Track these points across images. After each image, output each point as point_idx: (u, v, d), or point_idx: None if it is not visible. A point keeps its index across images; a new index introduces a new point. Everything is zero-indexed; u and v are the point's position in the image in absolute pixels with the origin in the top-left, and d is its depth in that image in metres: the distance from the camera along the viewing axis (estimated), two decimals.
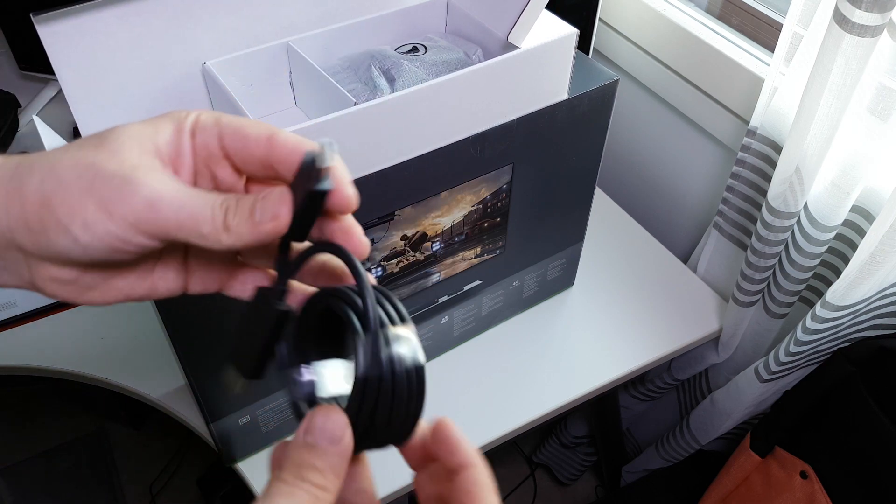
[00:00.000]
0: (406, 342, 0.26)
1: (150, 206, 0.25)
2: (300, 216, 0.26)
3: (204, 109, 0.29)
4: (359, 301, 0.26)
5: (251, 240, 0.26)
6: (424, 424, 0.29)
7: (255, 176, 0.29)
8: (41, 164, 0.26)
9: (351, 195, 0.27)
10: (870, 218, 0.69)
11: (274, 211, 0.26)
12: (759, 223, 0.73)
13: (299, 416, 0.28)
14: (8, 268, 0.28)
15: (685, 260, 0.94)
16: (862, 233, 0.70)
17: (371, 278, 0.28)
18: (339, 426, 0.26)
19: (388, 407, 0.26)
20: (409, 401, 0.26)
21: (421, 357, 0.26)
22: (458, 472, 0.29)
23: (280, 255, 0.29)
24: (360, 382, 0.25)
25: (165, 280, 0.30)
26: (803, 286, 0.75)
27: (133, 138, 0.26)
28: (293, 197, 0.26)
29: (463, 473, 0.29)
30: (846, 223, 0.71)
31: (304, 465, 0.25)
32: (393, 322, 0.26)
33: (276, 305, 0.28)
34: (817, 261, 0.72)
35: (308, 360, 0.29)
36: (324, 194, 0.26)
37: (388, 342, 0.26)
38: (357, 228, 0.29)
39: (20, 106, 1.05)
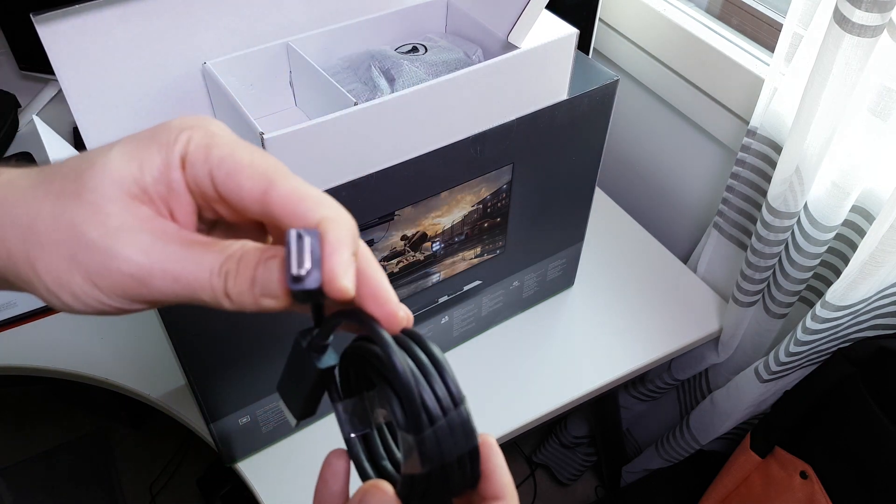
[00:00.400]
0: (459, 429, 0.24)
1: (139, 282, 0.22)
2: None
3: (198, 124, 0.24)
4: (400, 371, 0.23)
5: (255, 310, 0.23)
6: None
7: (258, 219, 0.25)
8: (20, 215, 0.23)
9: (344, 287, 0.22)
10: (870, 218, 0.69)
11: (274, 290, 0.22)
12: (759, 223, 0.73)
13: (351, 450, 0.28)
14: (18, 284, 0.26)
15: (685, 260, 0.94)
16: (862, 233, 0.70)
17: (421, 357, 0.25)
18: None
19: (439, 494, 0.25)
20: (462, 482, 0.25)
21: (475, 439, 0.25)
22: (486, 501, 0.27)
23: (314, 307, 0.25)
24: (407, 479, 0.24)
25: None
26: (803, 286, 0.75)
27: (115, 183, 0.23)
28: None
29: None
30: (846, 223, 0.71)
31: None
32: (441, 402, 0.24)
33: (316, 363, 0.26)
34: (817, 261, 0.72)
35: (355, 393, 0.28)
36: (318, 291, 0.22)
37: (438, 436, 0.23)
38: (390, 296, 0.25)
39: (20, 106, 1.05)
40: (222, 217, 0.25)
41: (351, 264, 0.23)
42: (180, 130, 0.23)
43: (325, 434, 0.71)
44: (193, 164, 0.23)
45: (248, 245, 0.23)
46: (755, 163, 0.78)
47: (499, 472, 0.27)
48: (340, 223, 0.23)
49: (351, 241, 0.23)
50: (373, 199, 0.57)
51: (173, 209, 0.24)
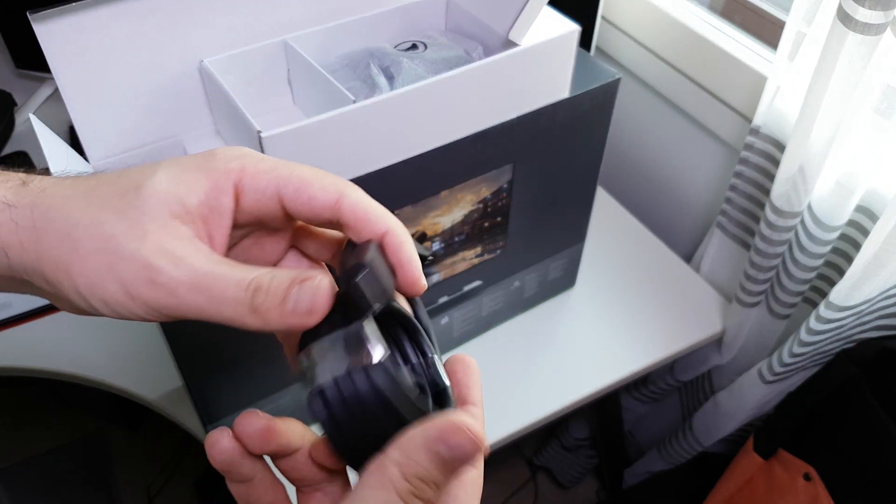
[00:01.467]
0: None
1: (169, 293, 0.24)
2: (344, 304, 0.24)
3: (246, 153, 0.26)
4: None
5: (279, 327, 0.24)
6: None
7: (313, 224, 0.28)
8: (57, 221, 0.24)
9: (423, 286, 0.27)
10: (874, 218, 0.68)
11: (310, 305, 0.24)
12: (762, 223, 0.73)
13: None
14: (30, 290, 0.26)
15: (688, 260, 0.93)
16: (866, 233, 0.70)
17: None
18: (479, 449, 0.23)
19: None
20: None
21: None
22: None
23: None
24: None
25: None
26: (807, 286, 0.75)
27: (160, 202, 0.24)
28: (344, 275, 0.24)
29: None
30: (850, 223, 0.70)
31: (427, 479, 0.23)
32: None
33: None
34: (821, 261, 0.71)
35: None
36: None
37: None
38: (420, 272, 0.28)
39: (16, 104, 1.05)
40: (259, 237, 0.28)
41: (419, 265, 0.27)
42: (230, 160, 0.26)
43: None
44: (255, 187, 0.25)
45: (277, 270, 0.25)
46: (758, 161, 0.77)
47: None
48: (405, 231, 0.27)
49: (414, 246, 0.27)
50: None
51: (211, 230, 0.25)
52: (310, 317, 0.24)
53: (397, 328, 0.29)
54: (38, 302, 0.81)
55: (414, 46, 0.64)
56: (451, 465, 0.23)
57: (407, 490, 0.22)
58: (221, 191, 0.25)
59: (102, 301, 0.24)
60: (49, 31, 0.50)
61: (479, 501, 0.26)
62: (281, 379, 0.65)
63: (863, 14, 0.55)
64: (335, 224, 0.26)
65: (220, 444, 0.26)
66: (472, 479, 0.26)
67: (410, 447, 0.23)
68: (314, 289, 0.24)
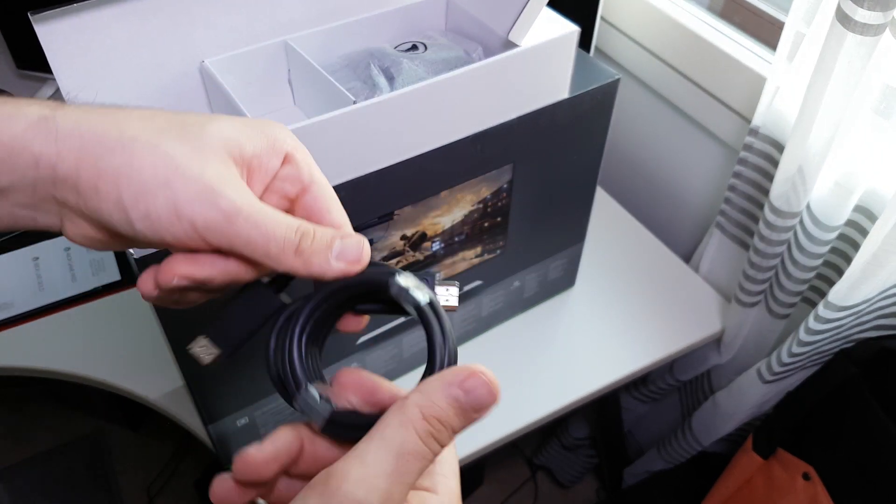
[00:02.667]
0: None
1: (226, 217, 0.25)
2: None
3: (300, 145, 0.29)
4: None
5: (318, 271, 0.26)
6: None
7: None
8: (109, 134, 0.25)
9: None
10: (872, 218, 0.69)
11: (356, 254, 0.26)
12: (761, 223, 0.73)
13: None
14: (41, 214, 0.27)
15: (687, 260, 0.93)
16: (865, 232, 0.70)
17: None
18: (494, 397, 0.24)
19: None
20: None
21: None
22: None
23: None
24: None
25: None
26: (806, 286, 0.75)
27: (219, 139, 0.26)
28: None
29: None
30: (849, 223, 0.71)
31: (446, 421, 0.24)
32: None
33: (276, 298, 0.28)
34: (820, 261, 0.71)
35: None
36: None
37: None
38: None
39: None
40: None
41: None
42: (288, 136, 0.29)
43: None
44: (295, 174, 0.28)
45: (318, 225, 0.27)
46: (757, 162, 0.77)
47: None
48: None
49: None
50: (372, 199, 0.56)
51: (253, 181, 0.27)
52: (355, 265, 0.26)
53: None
54: (39, 302, 0.81)
55: (414, 47, 0.65)
56: (468, 408, 0.24)
57: (426, 430, 0.23)
58: (274, 152, 0.27)
59: (144, 214, 0.24)
60: (50, 32, 0.50)
61: (457, 480, 0.27)
62: None
63: (862, 15, 0.55)
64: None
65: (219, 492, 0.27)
66: (449, 458, 0.27)
67: (431, 390, 0.24)
68: (360, 242, 0.27)
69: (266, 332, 0.29)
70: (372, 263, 0.28)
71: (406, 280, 0.27)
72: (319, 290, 0.28)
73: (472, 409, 0.24)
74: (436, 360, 0.27)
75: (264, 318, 0.29)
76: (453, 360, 0.27)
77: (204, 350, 0.29)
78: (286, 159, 0.28)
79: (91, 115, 0.26)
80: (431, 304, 0.27)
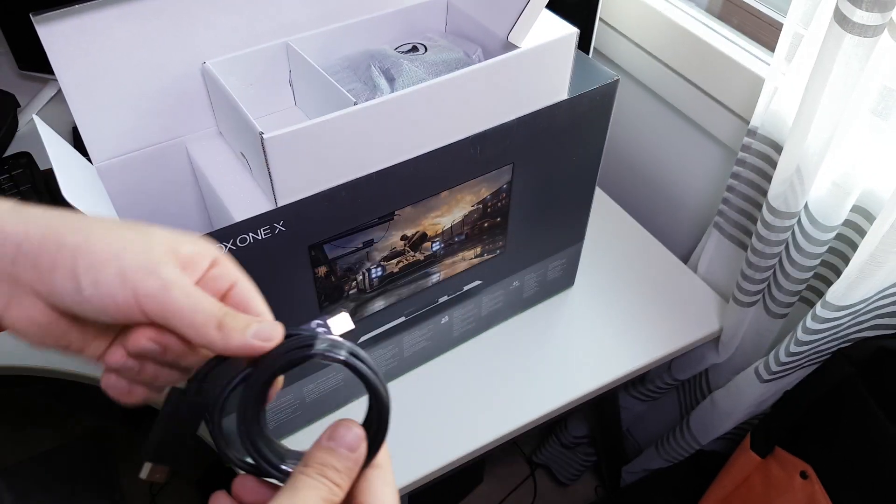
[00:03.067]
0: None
1: (163, 286, 0.29)
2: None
3: (224, 256, 0.33)
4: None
5: (235, 345, 0.30)
6: None
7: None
8: (73, 221, 0.30)
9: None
10: (870, 218, 0.69)
11: (269, 334, 0.31)
12: (759, 223, 0.73)
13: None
14: None
15: (685, 260, 0.94)
16: (862, 233, 0.70)
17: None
18: (358, 438, 0.30)
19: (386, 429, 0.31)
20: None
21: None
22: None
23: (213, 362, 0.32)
24: (384, 411, 0.31)
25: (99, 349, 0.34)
26: (804, 286, 0.75)
27: (163, 239, 0.31)
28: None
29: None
30: (847, 223, 0.71)
31: (326, 464, 0.30)
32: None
33: (195, 399, 0.32)
34: (818, 261, 0.72)
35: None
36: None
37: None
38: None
39: (19, 106, 1.05)
40: None
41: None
42: (214, 248, 0.33)
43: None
44: (223, 274, 0.33)
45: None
46: (755, 162, 0.78)
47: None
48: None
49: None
50: (373, 199, 0.57)
51: (186, 272, 0.31)
52: (268, 342, 0.30)
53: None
54: None
55: (414, 48, 0.65)
56: (337, 451, 0.30)
57: (314, 471, 0.29)
58: (203, 256, 0.32)
59: (93, 282, 0.29)
60: (52, 33, 0.51)
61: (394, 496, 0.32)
62: None
63: (860, 16, 0.55)
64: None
65: None
66: (379, 478, 0.32)
67: (311, 453, 0.30)
68: (274, 325, 0.31)
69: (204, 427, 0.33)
70: (287, 335, 0.32)
71: (320, 345, 0.31)
72: (249, 379, 0.31)
73: (342, 447, 0.30)
74: (379, 393, 0.31)
75: (190, 421, 0.33)
76: (386, 389, 0.31)
77: (153, 472, 0.33)
78: (213, 263, 0.32)
79: (55, 209, 0.30)
80: (353, 354, 0.31)
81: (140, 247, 0.30)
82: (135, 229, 0.31)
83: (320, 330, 0.32)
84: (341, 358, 0.30)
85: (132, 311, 0.29)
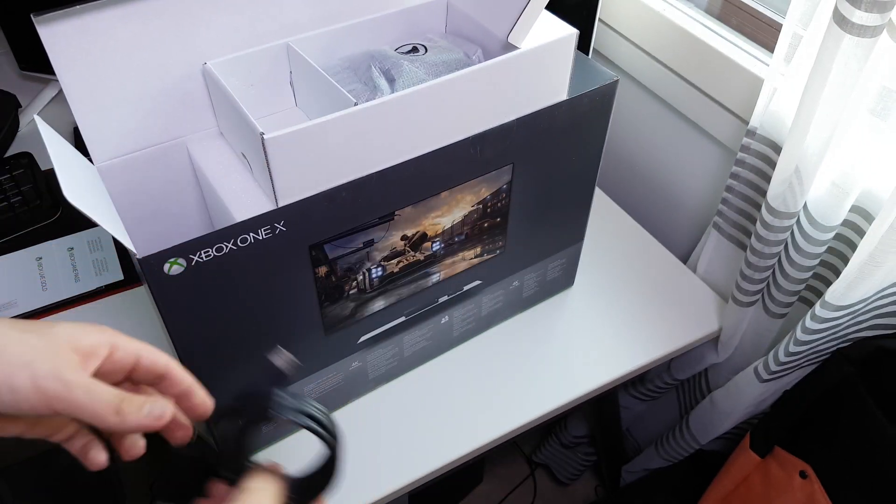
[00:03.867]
0: None
1: (67, 388, 0.34)
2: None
3: (122, 338, 0.39)
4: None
5: (134, 425, 0.36)
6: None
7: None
8: None
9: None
10: (869, 218, 0.69)
11: (160, 412, 0.37)
12: (758, 223, 0.73)
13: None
14: None
15: (685, 260, 0.94)
16: (861, 233, 0.70)
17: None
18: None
19: None
20: None
21: None
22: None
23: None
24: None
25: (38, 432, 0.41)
26: (803, 286, 0.75)
27: (66, 336, 0.36)
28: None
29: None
30: (846, 223, 0.71)
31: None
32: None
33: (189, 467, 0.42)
34: (817, 261, 0.72)
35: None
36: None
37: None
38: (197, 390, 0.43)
39: (21, 106, 1.05)
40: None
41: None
42: (110, 333, 0.39)
43: None
44: (124, 354, 0.39)
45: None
46: (755, 163, 0.78)
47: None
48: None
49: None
50: (373, 199, 0.57)
51: (87, 364, 0.37)
52: (160, 420, 0.37)
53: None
54: (41, 301, 0.82)
55: (414, 49, 0.65)
56: None
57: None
58: (101, 345, 0.38)
59: (10, 388, 0.34)
60: (53, 34, 0.51)
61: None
62: None
63: (859, 16, 0.56)
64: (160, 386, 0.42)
65: None
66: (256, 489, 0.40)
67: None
68: (165, 404, 0.38)
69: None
70: (246, 395, 0.40)
71: (283, 412, 0.38)
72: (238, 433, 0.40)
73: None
74: (333, 445, 0.39)
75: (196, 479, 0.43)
76: (339, 437, 0.39)
77: None
78: (113, 348, 0.38)
79: None
80: (307, 415, 0.38)
81: (46, 353, 0.35)
82: (40, 332, 0.36)
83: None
84: (299, 421, 0.38)
85: (45, 409, 0.34)
